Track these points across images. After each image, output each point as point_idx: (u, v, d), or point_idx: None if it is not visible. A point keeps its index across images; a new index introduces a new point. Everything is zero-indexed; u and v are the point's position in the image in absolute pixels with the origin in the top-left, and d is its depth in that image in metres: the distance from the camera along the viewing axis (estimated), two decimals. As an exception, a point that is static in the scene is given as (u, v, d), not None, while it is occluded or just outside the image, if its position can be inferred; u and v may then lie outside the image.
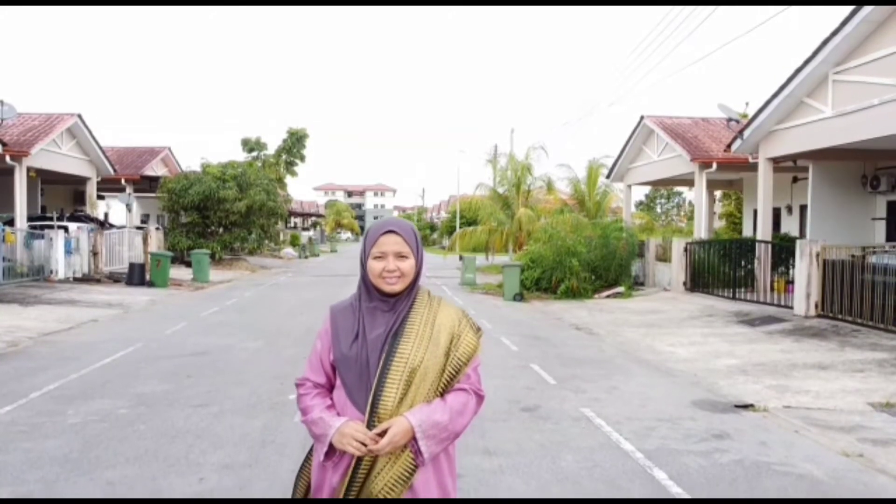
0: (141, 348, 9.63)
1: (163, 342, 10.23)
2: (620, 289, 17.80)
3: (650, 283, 19.64)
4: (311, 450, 2.46)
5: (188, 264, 23.71)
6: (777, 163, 17.38)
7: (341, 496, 2.21)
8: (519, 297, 17.22)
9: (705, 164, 20.26)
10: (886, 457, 5.35)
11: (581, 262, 17.53)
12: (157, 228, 27.09)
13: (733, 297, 15.67)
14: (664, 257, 19.16)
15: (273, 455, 5.15)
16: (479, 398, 2.35)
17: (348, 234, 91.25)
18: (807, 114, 15.01)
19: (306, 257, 42.13)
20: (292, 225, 58.65)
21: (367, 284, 2.34)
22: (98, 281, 19.63)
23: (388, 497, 2.20)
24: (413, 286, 2.34)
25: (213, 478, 4.66)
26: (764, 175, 17.09)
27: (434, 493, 2.27)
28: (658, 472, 4.89)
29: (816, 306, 12.40)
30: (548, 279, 18.09)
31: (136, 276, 19.13)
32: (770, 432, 5.97)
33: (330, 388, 2.37)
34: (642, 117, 23.66)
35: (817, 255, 12.46)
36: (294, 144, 38.36)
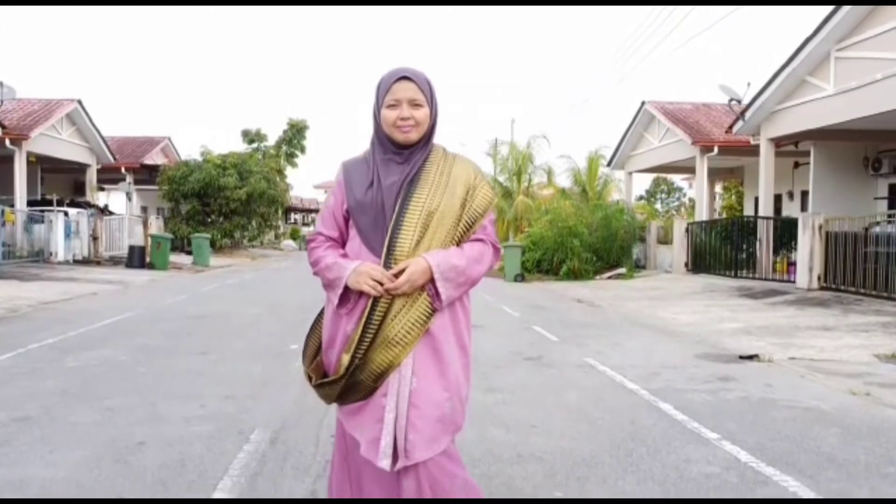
0: (141, 313, 9.58)
1: (163, 309, 10.18)
2: (622, 270, 17.76)
3: (651, 266, 19.59)
4: (320, 312, 2.41)
5: (188, 253, 23.68)
6: (779, 145, 17.29)
7: (355, 343, 2.15)
8: (520, 278, 17.17)
9: (707, 148, 20.17)
10: (894, 396, 5.29)
11: (582, 243, 17.49)
12: (157, 217, 27.03)
13: (735, 277, 15.62)
14: (665, 240, 19.12)
15: (275, 391, 5.10)
16: (496, 250, 2.31)
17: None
18: (809, 92, 14.93)
19: (306, 249, 42.07)
20: (292, 221, 58.58)
21: (380, 137, 2.28)
22: (98, 263, 19.59)
23: (405, 340, 2.14)
24: (428, 139, 2.28)
25: (215, 405, 4.61)
26: (765, 157, 17.00)
27: (451, 341, 2.22)
28: (663, 405, 4.84)
29: (819, 279, 12.34)
30: (549, 261, 18.05)
31: (136, 258, 19.08)
32: (775, 377, 5.91)
33: (342, 243, 2.32)
34: (643, 103, 23.60)
35: (820, 227, 12.41)
36: (294, 136, 38.19)
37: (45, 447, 3.70)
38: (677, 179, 60.80)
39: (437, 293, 2.14)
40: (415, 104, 2.21)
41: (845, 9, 12.90)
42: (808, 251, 12.52)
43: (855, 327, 8.66)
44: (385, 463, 2.12)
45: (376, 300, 2.14)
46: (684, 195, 62.23)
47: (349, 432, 2.26)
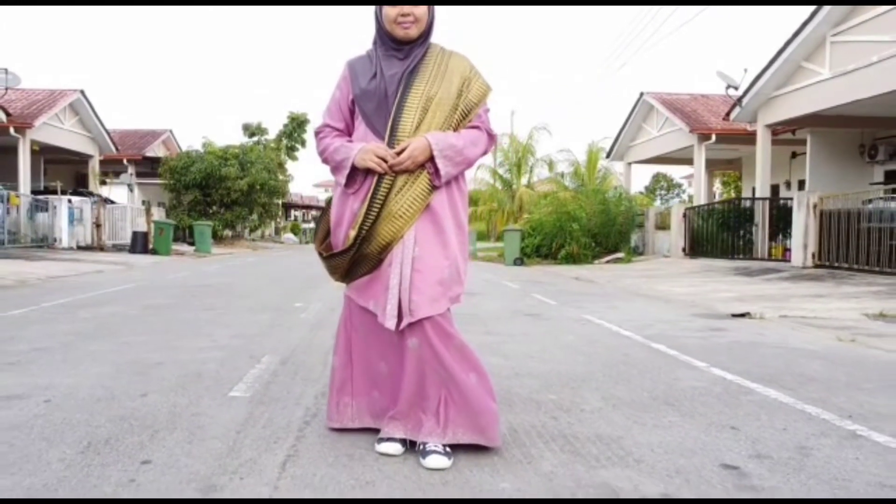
0: (147, 284, 9.78)
1: (168, 281, 10.37)
2: (620, 254, 17.94)
3: (650, 251, 19.79)
4: (326, 205, 2.60)
5: (190, 243, 23.87)
6: (776, 132, 17.48)
7: (361, 218, 2.34)
8: (519, 262, 17.36)
9: (704, 136, 20.37)
10: (878, 343, 5.46)
11: (581, 228, 17.66)
12: (159, 208, 27.18)
13: (732, 260, 15.82)
14: (663, 225, 19.31)
15: (282, 331, 5.29)
16: (491, 137, 2.50)
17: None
18: (805, 77, 15.09)
19: (307, 243, 42.29)
20: (293, 218, 58.74)
21: (381, 35, 2.47)
22: (101, 249, 19.76)
23: (407, 214, 2.33)
24: (427, 36, 2.47)
25: (225, 341, 4.80)
26: (762, 143, 17.16)
27: (449, 216, 2.42)
28: (656, 345, 5.03)
29: (814, 257, 12.54)
30: (548, 245, 18.23)
31: (139, 244, 19.26)
32: (766, 329, 6.11)
33: (348, 134, 2.51)
34: (642, 93, 23.79)
35: (814, 206, 12.61)
36: (295, 129, 38.32)
37: (68, 365, 3.89)
38: (676, 176, 61.09)
39: (437, 170, 2.34)
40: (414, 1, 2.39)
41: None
42: (802, 229, 12.71)
43: (846, 295, 8.85)
44: (391, 323, 2.32)
45: (380, 178, 2.34)
46: (683, 192, 62.54)
47: (363, 306, 2.45)
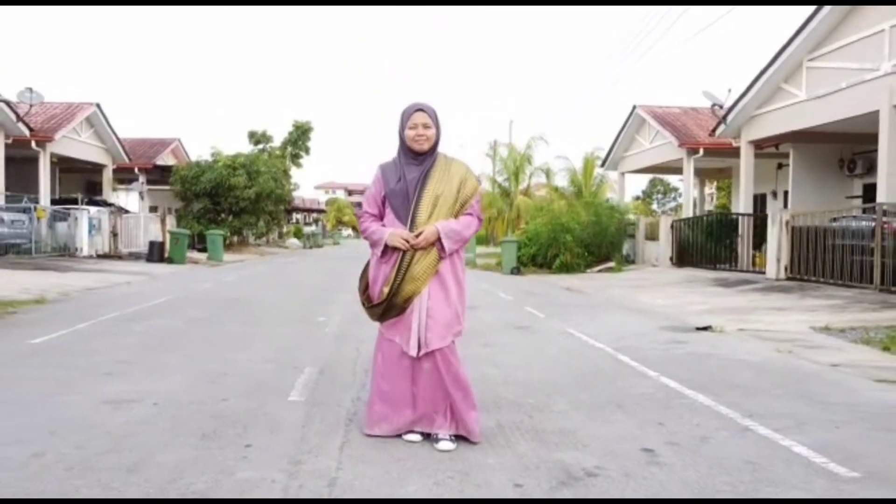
0: (179, 297, 10.84)
1: (196, 294, 11.44)
2: (611, 264, 19.01)
3: (640, 260, 20.86)
4: (367, 264, 3.67)
5: (199, 249, 24.97)
6: (759, 147, 18.56)
7: (392, 279, 3.41)
8: (516, 271, 18.42)
9: (693, 150, 21.44)
10: (810, 354, 6.52)
11: (575, 238, 18.73)
12: (171, 215, 28.23)
13: (716, 270, 16.88)
14: (653, 236, 20.38)
15: (314, 346, 6.35)
16: (479, 220, 3.59)
17: (349, 231, 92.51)
18: (784, 98, 16.18)
19: (310, 248, 43.35)
20: (294, 220, 59.78)
21: (404, 148, 3.55)
22: (119, 258, 20.85)
23: (423, 277, 3.40)
24: (435, 149, 3.54)
25: (270, 354, 5.87)
26: (746, 158, 18.26)
27: (451, 278, 3.49)
28: (622, 356, 6.09)
29: (786, 269, 13.60)
30: (543, 255, 19.29)
31: (155, 253, 20.31)
32: (721, 341, 7.17)
33: (381, 217, 3.58)
34: (634, 107, 24.85)
35: (786, 222, 13.67)
36: (299, 137, 39.55)
37: (150, 376, 4.95)
38: (673, 180, 62.22)
39: (443, 247, 3.42)
40: (426, 126, 3.49)
41: (816, 20, 14.16)
42: (776, 244, 13.78)
43: (806, 308, 9.91)
44: (413, 352, 3.40)
45: (405, 253, 3.41)
46: (680, 196, 63.65)
47: (391, 338, 3.51)
